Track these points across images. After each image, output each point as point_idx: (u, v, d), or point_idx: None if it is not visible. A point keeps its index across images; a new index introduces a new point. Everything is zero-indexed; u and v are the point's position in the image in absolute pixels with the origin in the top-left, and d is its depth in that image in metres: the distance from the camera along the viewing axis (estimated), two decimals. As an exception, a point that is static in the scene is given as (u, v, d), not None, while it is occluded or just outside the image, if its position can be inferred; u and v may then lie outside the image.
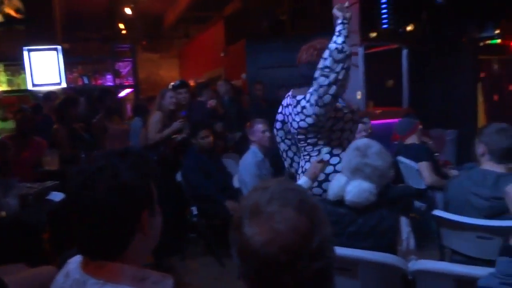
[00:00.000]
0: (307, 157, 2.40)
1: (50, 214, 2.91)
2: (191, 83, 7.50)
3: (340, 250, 1.71)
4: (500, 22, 6.46)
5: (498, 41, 6.63)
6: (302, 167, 2.42)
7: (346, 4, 2.18)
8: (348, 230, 1.82)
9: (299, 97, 2.30)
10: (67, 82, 7.06)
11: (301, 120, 2.28)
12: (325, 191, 2.09)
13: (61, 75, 6.91)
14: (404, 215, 1.90)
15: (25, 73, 6.83)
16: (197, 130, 3.90)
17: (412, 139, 3.81)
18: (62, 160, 3.78)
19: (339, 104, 2.28)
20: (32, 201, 2.93)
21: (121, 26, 11.64)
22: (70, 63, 7.41)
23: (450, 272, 1.69)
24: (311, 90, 2.20)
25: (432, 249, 2.72)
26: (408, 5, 5.69)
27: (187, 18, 11.46)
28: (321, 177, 2.28)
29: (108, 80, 7.82)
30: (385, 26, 5.66)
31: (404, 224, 1.84)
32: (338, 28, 2.11)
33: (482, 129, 2.36)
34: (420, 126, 3.86)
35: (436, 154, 4.04)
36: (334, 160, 2.28)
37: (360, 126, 3.50)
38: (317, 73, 2.11)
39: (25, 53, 6.76)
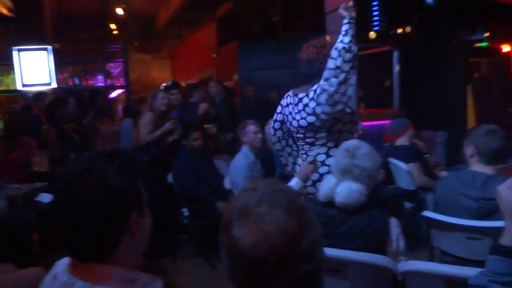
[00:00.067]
0: (304, 156, 2.42)
1: (39, 216, 2.88)
2: (183, 84, 7.47)
3: (330, 251, 1.72)
4: (489, 25, 6.54)
5: (488, 44, 6.71)
6: (300, 165, 2.44)
7: (351, 3, 2.19)
8: (338, 231, 1.83)
9: (301, 95, 2.32)
10: (57, 82, 7.01)
11: (302, 118, 2.29)
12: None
13: (51, 75, 6.85)
14: (394, 216, 1.91)
15: (14, 73, 6.76)
16: (189, 132, 3.89)
17: (402, 141, 3.83)
18: (52, 161, 3.74)
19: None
20: (21, 203, 2.90)
21: (113, 26, 11.56)
22: (60, 63, 7.35)
23: (439, 272, 1.70)
24: (314, 87, 2.22)
25: (422, 250, 2.74)
26: (400, 8, 5.73)
27: (179, 19, 11.43)
28: (315, 176, 2.29)
29: (99, 81, 7.78)
30: (376, 28, 5.69)
31: (394, 225, 1.85)
32: (344, 27, 2.14)
33: (471, 130, 2.38)
34: (412, 128, 3.88)
35: (427, 155, 4.07)
36: (330, 161, 2.29)
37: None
38: (326, 73, 2.12)
39: (15, 53, 6.69)
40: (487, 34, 6.54)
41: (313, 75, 2.29)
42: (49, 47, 6.90)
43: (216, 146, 5.07)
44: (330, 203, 1.87)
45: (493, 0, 6.14)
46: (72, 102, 4.25)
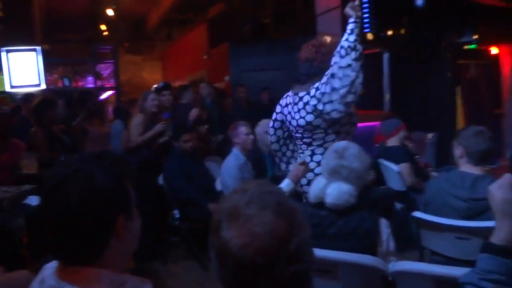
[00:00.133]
0: (302, 155, 2.43)
1: (28, 219, 2.85)
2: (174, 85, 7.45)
3: (321, 252, 1.72)
4: (478, 27, 6.62)
5: (476, 46, 6.79)
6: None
7: (357, 2, 2.21)
8: (328, 232, 1.83)
9: (301, 94, 2.33)
10: (46, 83, 6.94)
11: (301, 117, 2.30)
12: None
13: (41, 76, 6.78)
14: (384, 217, 1.92)
15: (3, 74, 6.68)
16: (180, 134, 3.88)
17: (393, 142, 3.86)
18: (41, 164, 3.70)
19: None
20: (8, 206, 2.86)
21: (103, 27, 11.50)
22: (50, 65, 7.29)
23: (429, 272, 1.71)
24: (316, 85, 2.23)
25: (413, 251, 2.76)
26: (389, 10, 5.78)
27: (170, 20, 11.40)
28: (311, 176, 2.30)
29: (89, 82, 7.73)
30: (366, 30, 5.73)
31: (384, 225, 1.85)
32: (350, 26, 2.17)
33: (460, 132, 2.40)
34: (404, 130, 3.90)
35: (417, 156, 4.10)
36: None
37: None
38: (336, 71, 2.13)
39: (3, 54, 6.62)
40: (475, 37, 6.61)
41: (313, 74, 2.30)
42: (38, 48, 6.84)
43: (207, 147, 5.06)
44: (320, 204, 1.88)
45: (482, 2, 6.21)
46: (61, 103, 4.21)
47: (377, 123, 4.49)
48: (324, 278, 1.83)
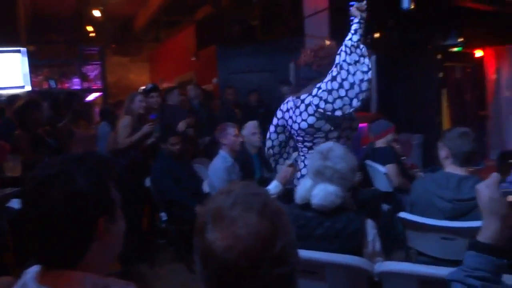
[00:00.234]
0: (303, 157, 2.45)
1: (11, 222, 2.79)
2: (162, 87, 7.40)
3: (307, 253, 1.73)
4: (463, 30, 6.72)
5: (462, 49, 6.89)
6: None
7: (364, 2, 2.23)
8: (315, 233, 1.83)
9: (303, 96, 2.34)
10: (32, 85, 6.85)
11: (303, 120, 2.31)
12: None
13: (25, 78, 6.69)
14: (371, 218, 1.93)
15: (-14, 75, 6.58)
16: (168, 136, 3.86)
17: (381, 143, 3.89)
18: (25, 166, 3.64)
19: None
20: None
21: (90, 28, 11.39)
22: (35, 66, 7.20)
23: (415, 272, 1.73)
24: (318, 85, 2.24)
25: (399, 251, 2.78)
26: (376, 13, 5.83)
27: (158, 22, 11.34)
28: None
29: (75, 84, 7.65)
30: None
31: (370, 226, 1.86)
32: (354, 26, 2.20)
33: (446, 133, 2.43)
34: (394, 132, 3.93)
35: (403, 157, 4.13)
36: None
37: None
38: (344, 66, 2.14)
39: (-13, 55, 6.52)
40: (461, 40, 6.71)
41: (312, 78, 2.34)
42: (23, 49, 6.74)
43: (195, 149, 5.04)
44: (306, 205, 1.88)
45: (467, 6, 6.31)
46: (46, 105, 4.16)
47: (364, 124, 4.51)
48: (310, 279, 1.83)
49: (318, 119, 2.26)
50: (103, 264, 0.98)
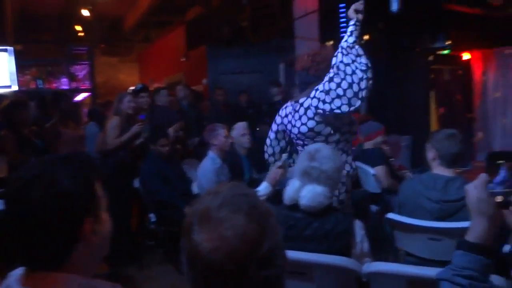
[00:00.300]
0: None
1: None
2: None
3: (296, 254, 1.73)
4: (451, 33, 6.80)
5: (450, 51, 6.97)
6: None
7: (361, 6, 2.26)
8: (304, 234, 1.84)
9: (302, 100, 2.34)
10: (19, 85, 6.75)
11: (302, 124, 2.32)
12: None
13: (12, 77, 6.59)
14: (360, 219, 1.94)
15: (-28, 75, 6.47)
16: (158, 138, 3.83)
17: (370, 144, 3.91)
18: (11, 167, 3.59)
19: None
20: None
21: (78, 28, 11.27)
22: (22, 65, 7.09)
23: (402, 273, 1.74)
24: (316, 87, 2.24)
25: (388, 252, 2.79)
26: (365, 15, 5.87)
27: (148, 22, 11.27)
28: None
29: (64, 84, 7.56)
30: (343, 35, 5.80)
31: (359, 227, 1.87)
32: (350, 28, 2.24)
33: (433, 135, 2.45)
34: (383, 135, 3.96)
35: (392, 159, 4.16)
36: None
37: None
38: (341, 67, 2.16)
39: (-27, 54, 6.41)
40: (448, 43, 6.79)
41: (309, 82, 2.35)
42: (10, 48, 6.64)
43: (184, 150, 5.03)
44: (295, 206, 1.88)
45: (455, 9, 6.38)
46: (32, 105, 4.10)
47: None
48: (299, 280, 1.83)
49: (318, 122, 2.27)
50: (89, 265, 0.97)
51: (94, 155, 4.14)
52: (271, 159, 2.64)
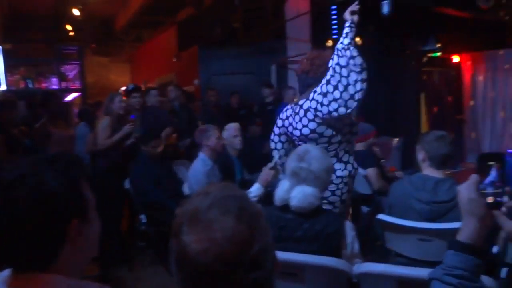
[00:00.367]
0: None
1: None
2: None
3: (286, 255, 1.73)
4: (441, 36, 6.86)
5: (439, 54, 7.04)
6: None
7: (357, 8, 2.27)
8: (294, 235, 1.84)
9: (301, 102, 2.36)
10: (7, 84, 6.67)
11: (304, 126, 2.33)
12: None
13: (1, 77, 6.51)
14: (350, 220, 1.94)
15: (-40, 74, 6.38)
16: (149, 139, 3.81)
17: (361, 146, 3.92)
18: (-1, 167, 3.55)
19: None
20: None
21: (69, 27, 11.17)
22: (11, 65, 7.01)
23: (392, 273, 1.75)
24: (314, 88, 2.27)
25: (378, 253, 2.80)
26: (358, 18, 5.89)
27: (139, 22, 11.22)
28: None
29: (53, 83, 7.46)
30: (335, 37, 5.83)
31: (349, 228, 1.88)
32: (345, 30, 2.24)
33: (423, 136, 2.47)
34: (374, 137, 3.97)
35: (382, 160, 4.19)
36: None
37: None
38: (337, 69, 2.17)
39: (-39, 53, 6.33)
40: (438, 45, 6.85)
41: (309, 85, 2.38)
42: (-1, 47, 6.58)
43: (176, 151, 5.00)
44: (286, 207, 1.88)
45: (445, 12, 6.44)
46: (21, 104, 4.06)
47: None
48: (290, 281, 1.83)
49: (319, 124, 2.28)
50: (77, 266, 0.96)
51: (84, 155, 4.11)
52: (279, 162, 2.64)
